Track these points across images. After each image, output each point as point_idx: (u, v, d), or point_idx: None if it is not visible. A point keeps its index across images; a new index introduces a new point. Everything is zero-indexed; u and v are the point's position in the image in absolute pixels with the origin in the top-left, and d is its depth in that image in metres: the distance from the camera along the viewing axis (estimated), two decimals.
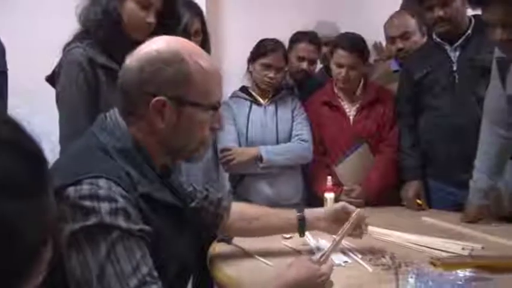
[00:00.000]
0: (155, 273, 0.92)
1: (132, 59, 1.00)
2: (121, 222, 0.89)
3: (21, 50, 2.30)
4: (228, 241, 1.53)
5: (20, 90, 1.99)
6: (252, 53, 2.27)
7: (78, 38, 1.59)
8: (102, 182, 0.90)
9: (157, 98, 0.96)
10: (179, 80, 0.97)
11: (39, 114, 1.66)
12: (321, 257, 1.13)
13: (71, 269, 0.87)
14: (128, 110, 1.01)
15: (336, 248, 1.22)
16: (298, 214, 1.40)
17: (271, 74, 2.20)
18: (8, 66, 1.89)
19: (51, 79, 1.64)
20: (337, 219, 1.37)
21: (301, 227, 1.39)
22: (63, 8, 1.62)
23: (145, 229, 0.93)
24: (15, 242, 0.47)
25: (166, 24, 1.62)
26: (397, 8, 2.51)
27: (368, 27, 2.50)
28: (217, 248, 1.52)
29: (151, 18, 1.59)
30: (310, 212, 1.42)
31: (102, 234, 0.87)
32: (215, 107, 1.03)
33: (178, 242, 1.05)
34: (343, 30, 2.54)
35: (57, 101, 1.61)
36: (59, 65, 1.60)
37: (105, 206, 0.88)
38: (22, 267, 0.49)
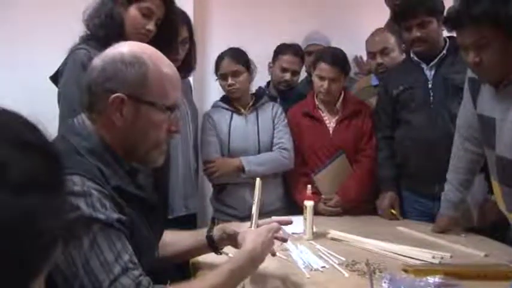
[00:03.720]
0: (135, 260, 0.98)
1: (98, 60, 1.06)
2: (99, 215, 0.94)
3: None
4: None
5: None
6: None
7: (84, 40, 1.64)
8: (76, 179, 0.94)
9: (116, 95, 1.02)
10: (138, 80, 1.03)
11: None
12: (251, 225, 1.29)
13: (56, 265, 0.89)
14: (91, 107, 1.06)
15: (257, 214, 1.33)
16: (207, 234, 1.36)
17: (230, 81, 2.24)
18: None
19: (55, 78, 1.68)
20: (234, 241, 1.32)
21: (211, 246, 1.36)
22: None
23: (122, 219, 0.98)
24: (33, 236, 0.49)
25: (165, 35, 1.69)
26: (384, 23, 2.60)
27: (357, 42, 2.58)
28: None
29: (151, 26, 1.65)
30: (218, 233, 1.36)
31: (83, 228, 0.92)
32: (171, 109, 1.09)
33: (150, 235, 1.10)
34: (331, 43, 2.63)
35: (58, 100, 1.64)
36: (63, 64, 1.64)
37: (82, 201, 0.92)
38: (35, 264, 0.50)
